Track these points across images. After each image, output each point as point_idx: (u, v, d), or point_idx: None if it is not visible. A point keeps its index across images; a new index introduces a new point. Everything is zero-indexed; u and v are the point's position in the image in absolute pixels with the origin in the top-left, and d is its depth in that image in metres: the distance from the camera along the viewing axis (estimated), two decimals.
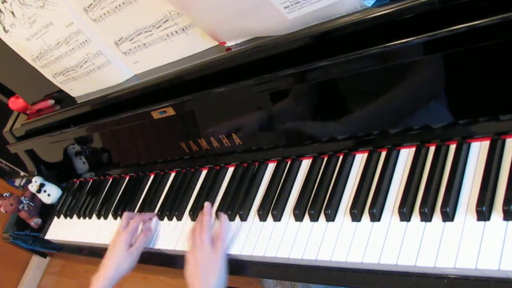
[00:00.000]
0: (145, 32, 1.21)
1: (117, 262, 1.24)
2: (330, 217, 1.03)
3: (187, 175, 1.41)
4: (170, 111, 1.28)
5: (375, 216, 0.96)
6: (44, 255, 1.84)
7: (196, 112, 1.29)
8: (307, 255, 1.01)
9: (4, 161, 2.38)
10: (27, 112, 1.71)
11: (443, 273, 0.85)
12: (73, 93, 1.53)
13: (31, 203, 1.76)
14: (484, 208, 0.84)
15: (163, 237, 1.31)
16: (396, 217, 0.94)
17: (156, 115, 1.31)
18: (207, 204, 1.23)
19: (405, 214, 0.93)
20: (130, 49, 1.28)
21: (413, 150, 1.01)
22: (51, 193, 1.78)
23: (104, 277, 1.22)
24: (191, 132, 1.33)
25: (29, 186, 1.77)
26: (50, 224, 1.74)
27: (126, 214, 1.36)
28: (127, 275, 1.25)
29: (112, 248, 1.27)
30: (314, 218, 1.05)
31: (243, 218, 1.18)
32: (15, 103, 1.72)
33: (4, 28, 1.39)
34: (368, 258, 0.92)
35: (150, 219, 1.37)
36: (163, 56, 1.25)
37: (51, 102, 1.62)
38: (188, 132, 1.34)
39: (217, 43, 1.14)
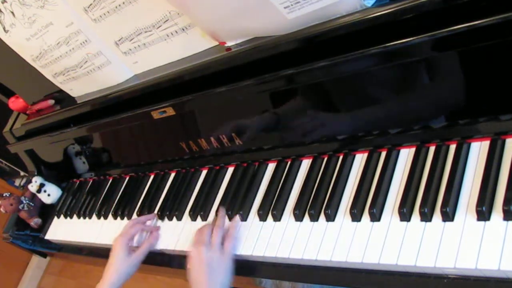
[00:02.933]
0: (145, 32, 1.21)
1: (117, 268, 1.24)
2: (330, 217, 1.03)
3: (187, 175, 1.41)
4: (170, 111, 1.28)
5: (375, 216, 0.96)
6: (44, 255, 1.84)
7: (196, 112, 1.29)
8: (307, 255, 1.01)
9: (4, 161, 2.37)
10: (27, 112, 1.71)
11: (443, 273, 0.85)
12: (73, 93, 1.53)
13: (31, 203, 1.76)
14: (484, 208, 0.84)
15: (163, 237, 1.31)
16: (396, 217, 0.94)
17: (156, 115, 1.31)
18: (222, 208, 1.22)
19: (405, 214, 0.93)
20: (130, 49, 1.28)
21: (413, 150, 1.01)
22: (51, 193, 1.78)
23: (106, 284, 1.22)
24: (191, 132, 1.33)
25: (29, 186, 1.77)
26: (50, 224, 1.74)
27: (128, 222, 1.36)
28: (129, 279, 1.25)
29: (112, 255, 1.27)
30: (314, 218, 1.05)
31: (243, 218, 1.18)
32: (15, 103, 1.72)
33: (4, 28, 1.39)
34: (368, 258, 0.92)
35: (150, 220, 1.37)
36: (163, 56, 1.25)
37: (51, 102, 1.62)
38: (188, 132, 1.34)
39: (217, 43, 1.14)
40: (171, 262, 1.29)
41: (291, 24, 0.97)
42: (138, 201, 1.49)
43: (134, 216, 1.45)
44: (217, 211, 1.23)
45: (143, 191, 1.50)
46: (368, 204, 0.99)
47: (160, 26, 1.18)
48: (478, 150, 0.93)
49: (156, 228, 1.34)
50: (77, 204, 1.69)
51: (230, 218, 1.19)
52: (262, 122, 1.20)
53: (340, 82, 1.02)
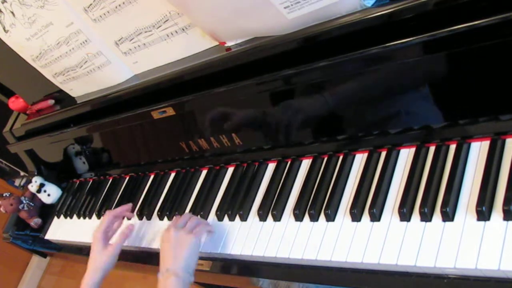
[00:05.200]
0: (145, 32, 1.21)
1: (96, 262, 1.28)
2: (330, 217, 1.03)
3: (187, 175, 1.41)
4: (170, 111, 1.28)
5: (375, 216, 0.96)
6: (44, 255, 1.84)
7: (196, 112, 1.29)
8: (307, 255, 1.01)
9: (4, 161, 2.37)
10: (27, 112, 1.71)
11: (443, 273, 0.85)
12: (73, 93, 1.53)
13: (31, 203, 1.76)
14: (484, 208, 0.84)
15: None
16: (396, 217, 0.94)
17: (156, 115, 1.31)
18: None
19: (405, 214, 0.93)
20: (130, 49, 1.28)
21: (413, 150, 1.01)
22: (51, 193, 1.78)
23: (88, 279, 1.25)
24: (191, 132, 1.33)
25: (29, 186, 1.77)
26: (50, 224, 1.74)
27: (103, 217, 1.39)
28: (110, 271, 1.29)
29: (91, 249, 1.32)
30: (314, 218, 1.05)
31: (243, 218, 1.18)
32: (15, 103, 1.72)
33: (4, 28, 1.39)
34: (368, 258, 0.92)
35: (127, 211, 1.42)
36: (163, 56, 1.25)
37: (51, 102, 1.62)
38: (188, 132, 1.34)
39: (217, 43, 1.14)
40: None
41: (291, 24, 0.97)
42: (138, 201, 1.49)
43: (134, 215, 1.45)
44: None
45: (143, 191, 1.50)
46: (368, 204, 0.99)
47: (160, 26, 1.18)
48: (478, 150, 0.93)
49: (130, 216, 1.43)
50: (77, 204, 1.69)
51: (231, 218, 1.19)
52: (262, 122, 1.20)
53: (340, 82, 1.02)
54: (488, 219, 0.84)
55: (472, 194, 0.89)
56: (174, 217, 1.24)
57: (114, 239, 1.35)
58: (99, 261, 1.28)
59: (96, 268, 1.27)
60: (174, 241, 1.13)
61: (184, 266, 1.08)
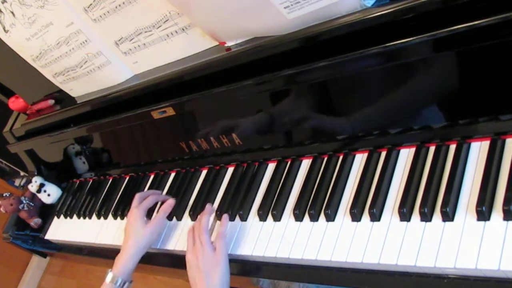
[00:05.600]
0: (145, 32, 1.21)
1: (137, 239, 1.24)
2: (330, 217, 1.03)
3: (187, 175, 1.41)
4: (170, 111, 1.28)
5: (375, 216, 0.96)
6: (44, 255, 1.84)
7: (196, 112, 1.29)
8: (307, 255, 1.01)
9: (4, 161, 2.37)
10: (27, 112, 1.71)
11: (443, 273, 0.85)
12: (73, 93, 1.53)
13: (31, 203, 1.76)
14: (484, 208, 0.84)
15: (163, 237, 1.31)
16: (396, 217, 0.94)
17: (156, 115, 1.31)
18: (208, 206, 1.24)
19: (405, 214, 0.93)
20: (130, 49, 1.28)
21: (413, 150, 1.01)
22: (51, 193, 1.78)
23: (127, 255, 1.22)
24: (191, 132, 1.33)
25: (29, 186, 1.77)
26: (50, 224, 1.74)
27: (138, 194, 1.35)
28: (149, 249, 1.26)
29: (129, 228, 1.27)
30: (314, 218, 1.05)
31: (243, 218, 1.18)
32: (15, 103, 1.72)
33: (4, 28, 1.39)
34: (368, 258, 0.92)
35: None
36: (163, 56, 1.25)
37: (51, 102, 1.62)
38: (188, 132, 1.34)
39: (217, 43, 1.14)
40: (171, 262, 1.29)
41: (291, 24, 0.97)
42: None
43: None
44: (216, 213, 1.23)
45: (143, 191, 1.50)
46: (368, 204, 0.99)
47: (160, 26, 1.18)
48: (478, 150, 0.93)
49: (168, 198, 1.35)
50: (77, 204, 1.69)
51: (231, 218, 1.19)
52: (262, 122, 1.20)
53: (340, 82, 1.02)
54: (488, 219, 0.84)
55: (472, 194, 0.89)
56: (188, 233, 1.18)
57: (154, 215, 1.31)
58: (141, 237, 1.24)
59: (138, 247, 1.23)
60: (204, 268, 1.08)
61: None
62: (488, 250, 0.81)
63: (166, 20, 1.16)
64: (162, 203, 1.35)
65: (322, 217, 1.05)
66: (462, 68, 0.88)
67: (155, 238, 1.27)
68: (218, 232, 1.14)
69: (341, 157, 1.11)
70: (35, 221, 1.76)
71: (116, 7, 1.19)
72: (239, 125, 1.23)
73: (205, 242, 1.12)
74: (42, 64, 1.46)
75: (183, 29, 1.16)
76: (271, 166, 1.23)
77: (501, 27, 0.77)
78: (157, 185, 1.46)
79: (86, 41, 1.31)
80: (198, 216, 1.22)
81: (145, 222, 1.27)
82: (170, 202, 1.32)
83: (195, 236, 1.15)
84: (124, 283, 1.21)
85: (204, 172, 1.38)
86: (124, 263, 1.21)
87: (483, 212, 0.84)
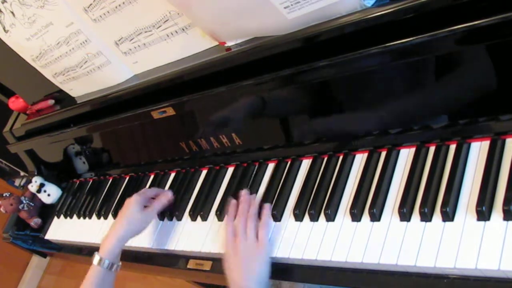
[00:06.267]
0: (145, 32, 1.21)
1: (128, 222, 1.24)
2: (330, 217, 1.03)
3: (187, 175, 1.41)
4: (170, 111, 1.28)
5: (375, 216, 0.96)
6: (44, 255, 1.84)
7: (196, 112, 1.29)
8: (307, 255, 1.01)
9: (4, 161, 2.37)
10: (27, 112, 1.71)
11: (443, 273, 0.85)
12: (73, 93, 1.53)
13: (31, 203, 1.76)
14: (484, 208, 0.84)
15: (163, 237, 1.31)
16: (396, 217, 0.94)
17: (156, 115, 1.31)
18: (245, 193, 1.17)
19: (405, 214, 0.93)
20: (130, 49, 1.28)
21: (413, 150, 1.01)
22: (51, 193, 1.78)
23: (114, 236, 1.21)
24: (191, 132, 1.33)
25: (29, 186, 1.77)
26: (50, 224, 1.74)
27: (142, 190, 1.36)
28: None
29: (124, 210, 1.27)
30: (314, 218, 1.05)
31: None
32: (15, 103, 1.72)
33: (4, 28, 1.39)
34: (368, 258, 0.92)
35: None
36: (163, 56, 1.25)
37: (51, 102, 1.62)
38: (188, 132, 1.34)
39: (217, 43, 1.14)
40: (171, 262, 1.29)
41: (291, 24, 0.97)
42: None
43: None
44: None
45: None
46: (368, 204, 0.99)
47: (160, 26, 1.18)
48: (478, 150, 0.93)
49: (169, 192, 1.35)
50: (77, 204, 1.69)
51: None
52: (262, 122, 1.20)
53: (340, 82, 1.02)
54: (488, 219, 0.84)
55: (472, 194, 0.89)
56: (228, 222, 1.12)
57: (150, 204, 1.31)
58: (134, 220, 1.23)
59: (127, 230, 1.22)
60: (243, 258, 1.04)
61: (257, 280, 1.01)
62: (488, 250, 0.81)
63: (166, 20, 1.16)
64: None
65: (322, 217, 1.05)
66: (461, 68, 0.88)
67: (145, 227, 1.27)
68: (262, 221, 1.10)
69: (341, 157, 1.11)
70: (35, 221, 1.76)
71: (116, 7, 1.19)
72: (239, 124, 1.23)
73: (251, 229, 1.08)
74: (42, 64, 1.46)
75: (183, 29, 1.16)
76: (271, 166, 1.23)
77: (501, 27, 0.77)
78: (157, 185, 1.46)
79: (86, 41, 1.31)
80: (232, 209, 1.16)
81: (141, 208, 1.27)
82: (168, 194, 1.33)
83: (241, 222, 1.10)
84: (112, 265, 1.19)
85: (204, 172, 1.38)
86: (112, 244, 1.20)
87: (483, 212, 0.84)
